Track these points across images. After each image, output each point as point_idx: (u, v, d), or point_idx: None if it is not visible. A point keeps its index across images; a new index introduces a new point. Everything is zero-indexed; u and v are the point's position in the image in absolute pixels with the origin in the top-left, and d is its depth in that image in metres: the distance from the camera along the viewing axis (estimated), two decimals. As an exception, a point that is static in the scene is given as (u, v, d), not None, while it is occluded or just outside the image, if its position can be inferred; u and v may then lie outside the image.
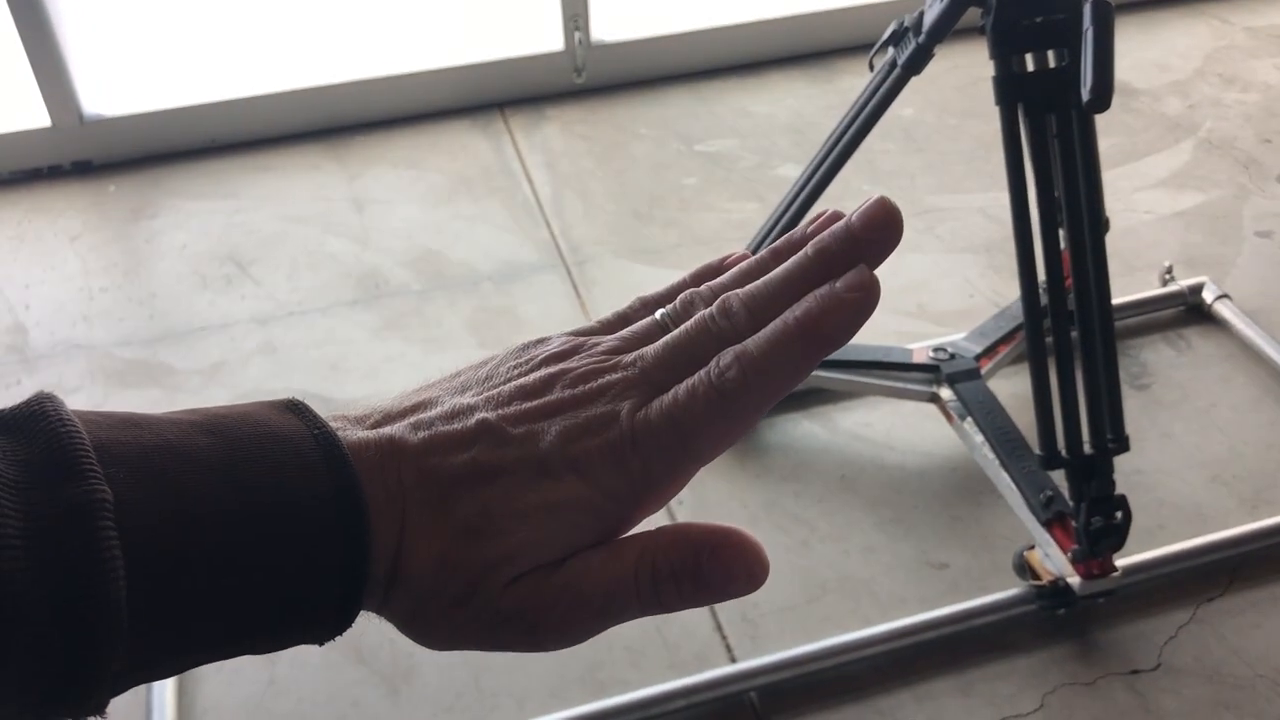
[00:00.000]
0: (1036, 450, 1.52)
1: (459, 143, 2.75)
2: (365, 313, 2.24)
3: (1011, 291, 2.06)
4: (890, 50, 1.51)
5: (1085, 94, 1.19)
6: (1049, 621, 1.59)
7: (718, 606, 1.65)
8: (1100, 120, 2.70)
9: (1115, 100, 2.81)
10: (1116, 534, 1.48)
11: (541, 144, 2.73)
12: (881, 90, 1.52)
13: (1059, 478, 1.55)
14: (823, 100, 2.85)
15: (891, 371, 1.83)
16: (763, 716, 1.51)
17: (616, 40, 2.88)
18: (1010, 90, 1.39)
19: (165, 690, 1.52)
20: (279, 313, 2.26)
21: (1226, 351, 2.04)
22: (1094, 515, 1.47)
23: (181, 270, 2.38)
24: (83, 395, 2.07)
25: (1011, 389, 1.90)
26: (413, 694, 1.56)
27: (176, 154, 2.73)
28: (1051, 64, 1.40)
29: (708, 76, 2.95)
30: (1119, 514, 1.48)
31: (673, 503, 1.76)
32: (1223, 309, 2.07)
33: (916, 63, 1.47)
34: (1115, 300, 2.08)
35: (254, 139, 2.76)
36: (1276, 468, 1.82)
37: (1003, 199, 1.51)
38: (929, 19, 1.44)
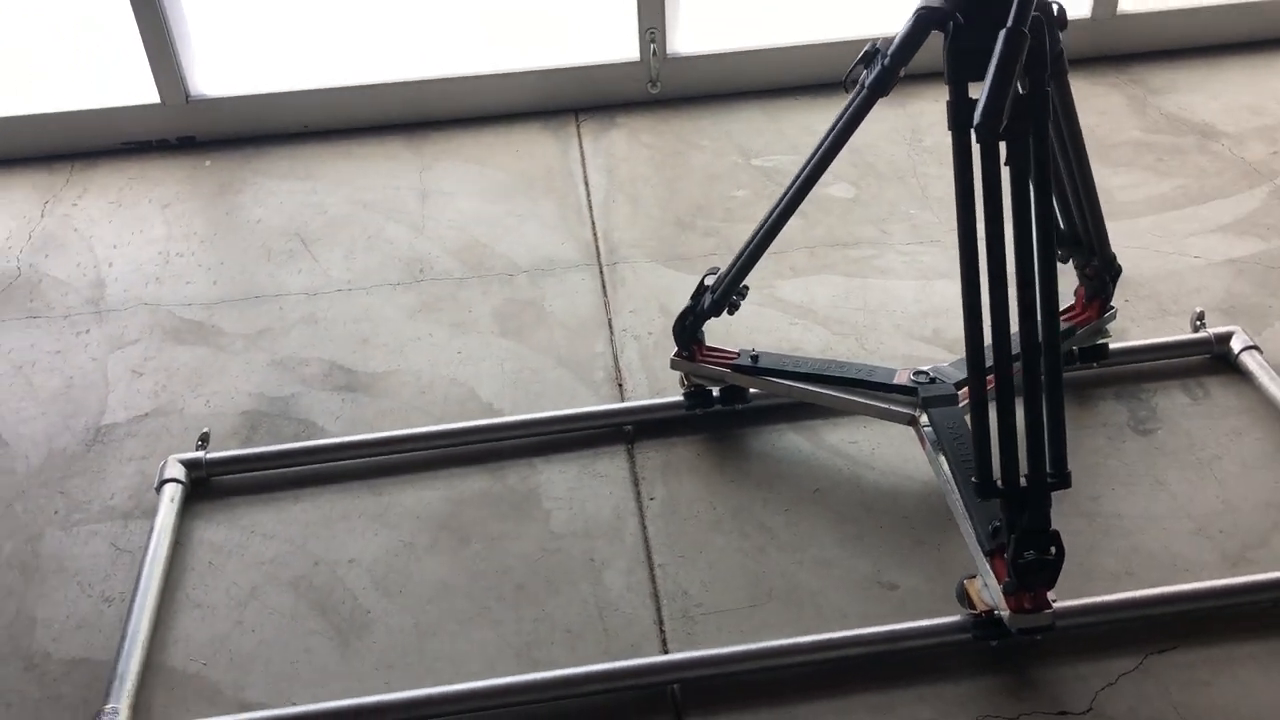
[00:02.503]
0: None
1: (529, 143, 2.86)
2: (405, 294, 2.37)
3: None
4: (863, 70, 1.53)
5: (976, 116, 1.19)
6: (986, 653, 1.58)
7: (663, 601, 1.70)
8: (1170, 161, 2.64)
9: (1192, 141, 2.74)
10: (1049, 569, 1.46)
11: (606, 149, 2.82)
12: (851, 111, 1.54)
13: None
14: (890, 123, 2.84)
15: (872, 391, 1.83)
16: (682, 710, 1.55)
17: (691, 53, 2.94)
18: (962, 115, 1.39)
19: (142, 618, 1.66)
20: (328, 288, 2.40)
21: (1246, 404, 1.96)
22: (1025, 548, 1.45)
23: (251, 242, 2.56)
24: (139, 347, 2.26)
25: (993, 418, 1.88)
26: (361, 648, 1.66)
27: (270, 136, 2.92)
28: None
29: (780, 94, 2.98)
30: (1054, 550, 1.46)
31: (646, 499, 1.83)
32: (1249, 360, 2.00)
33: (882, 84, 1.49)
34: (1134, 342, 2.05)
35: (342, 127, 2.94)
36: (1271, 526, 1.75)
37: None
38: (896, 40, 1.46)
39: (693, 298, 1.89)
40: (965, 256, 1.44)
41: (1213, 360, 2.05)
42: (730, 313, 1.86)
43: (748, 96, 2.98)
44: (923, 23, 1.40)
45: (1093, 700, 1.53)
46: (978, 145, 1.41)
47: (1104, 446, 1.90)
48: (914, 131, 2.81)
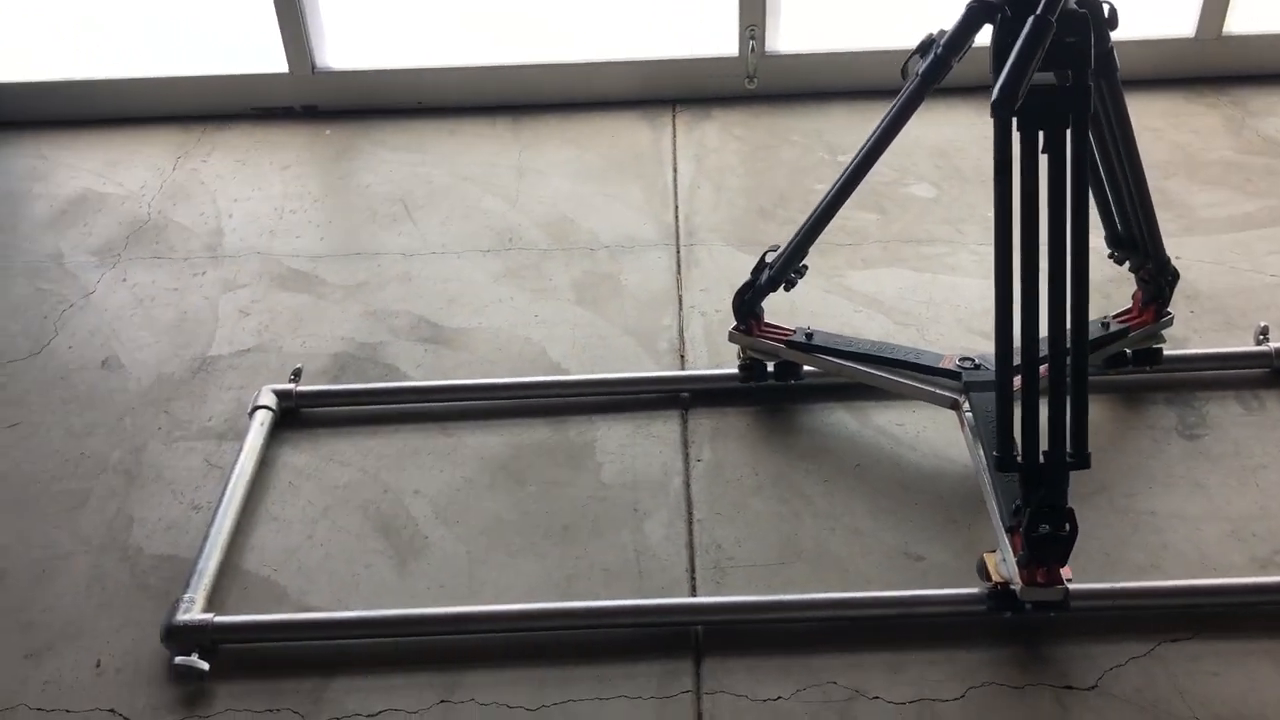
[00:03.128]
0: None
1: (625, 130, 2.99)
2: (493, 261, 2.52)
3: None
4: (919, 60, 1.61)
5: (994, 94, 1.26)
6: (1000, 625, 1.64)
7: (697, 551, 1.80)
8: (1260, 182, 2.63)
9: (1285, 164, 2.70)
10: (1062, 544, 1.52)
11: (699, 139, 2.93)
12: (904, 98, 1.62)
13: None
14: (979, 129, 2.89)
15: (918, 373, 1.90)
16: (702, 650, 1.65)
17: (790, 52, 3.03)
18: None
19: (224, 525, 1.83)
20: (423, 250, 2.57)
21: (1300, 419, 1.97)
22: (1038, 523, 1.51)
23: (359, 205, 2.75)
24: (248, 291, 2.45)
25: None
26: (417, 569, 1.80)
27: (386, 109, 3.11)
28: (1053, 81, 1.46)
29: (873, 96, 3.04)
30: (1068, 526, 1.52)
31: (693, 460, 1.93)
32: (1308, 376, 2.00)
33: (935, 73, 1.56)
34: (1193, 350, 2.08)
35: (452, 105, 3.11)
36: (1307, 536, 1.77)
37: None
38: (950, 32, 1.53)
39: (753, 273, 1.98)
40: (1000, 239, 1.51)
41: (1272, 374, 2.06)
42: (787, 289, 1.95)
43: (841, 96, 3.05)
44: (973, 15, 1.48)
45: (1099, 679, 1.57)
46: (1017, 134, 1.48)
47: (1148, 448, 1.93)
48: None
